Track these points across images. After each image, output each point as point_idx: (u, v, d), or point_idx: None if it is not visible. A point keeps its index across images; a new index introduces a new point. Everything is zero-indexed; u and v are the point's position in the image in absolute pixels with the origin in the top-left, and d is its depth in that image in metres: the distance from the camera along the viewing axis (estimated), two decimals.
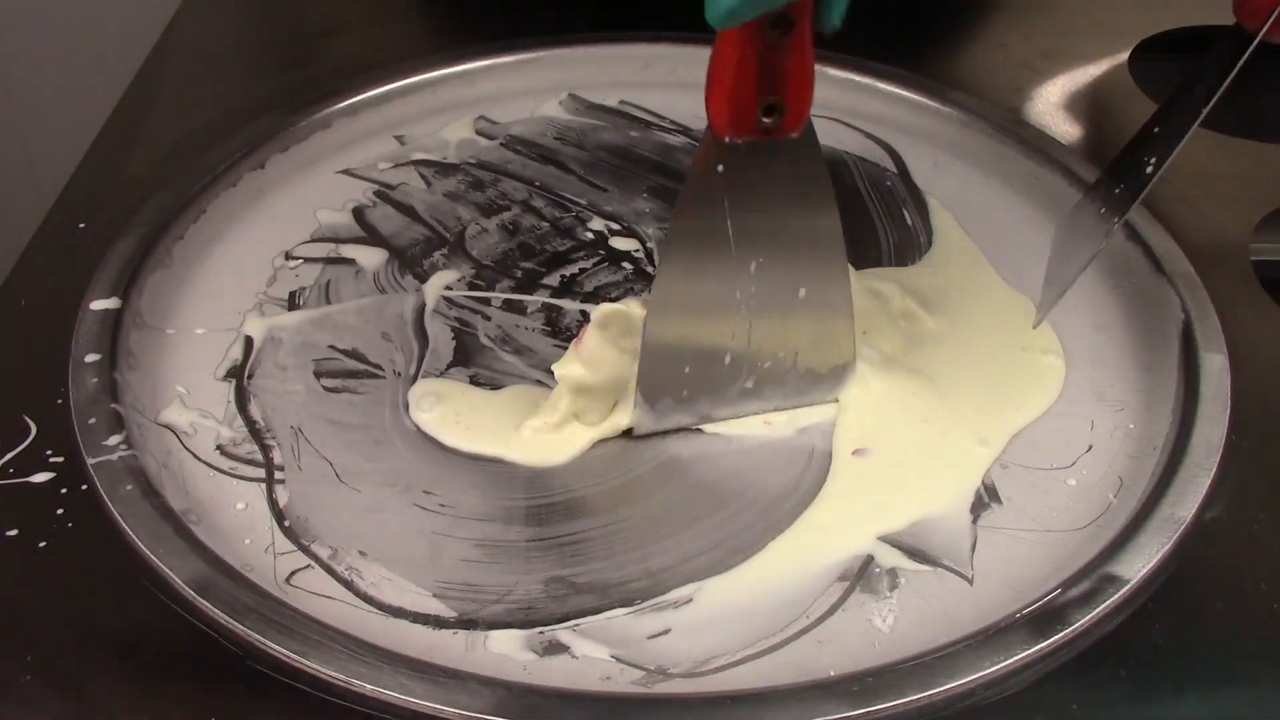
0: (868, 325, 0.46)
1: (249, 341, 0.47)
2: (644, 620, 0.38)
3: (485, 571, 0.39)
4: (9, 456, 0.41)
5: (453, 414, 0.44)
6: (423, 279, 0.51)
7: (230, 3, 0.73)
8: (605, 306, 0.44)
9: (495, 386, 0.46)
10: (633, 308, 0.44)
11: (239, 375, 0.46)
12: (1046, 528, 0.41)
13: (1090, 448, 0.44)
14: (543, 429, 0.43)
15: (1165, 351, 0.47)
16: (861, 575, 0.39)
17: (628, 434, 0.44)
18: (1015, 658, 0.35)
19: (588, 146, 0.60)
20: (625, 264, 0.52)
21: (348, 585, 0.38)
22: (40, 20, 0.91)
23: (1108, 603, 0.37)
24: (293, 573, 0.38)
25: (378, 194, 0.56)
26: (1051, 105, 0.63)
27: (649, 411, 0.44)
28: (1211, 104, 0.45)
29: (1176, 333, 0.47)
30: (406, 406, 0.45)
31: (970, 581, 0.39)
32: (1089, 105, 0.63)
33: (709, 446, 0.44)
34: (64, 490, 0.40)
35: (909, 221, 0.55)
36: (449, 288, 0.50)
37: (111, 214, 0.51)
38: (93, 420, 0.42)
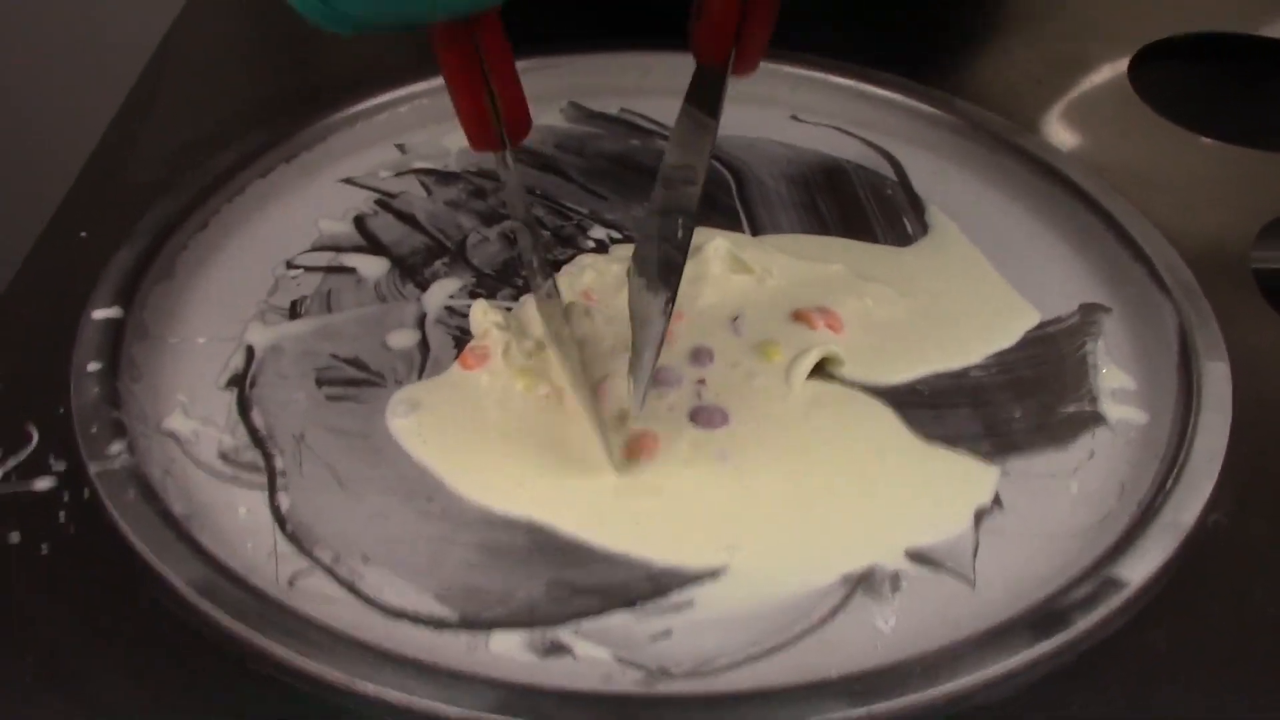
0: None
1: (250, 350, 0.47)
2: (646, 622, 0.38)
3: (487, 575, 0.39)
4: (12, 464, 0.41)
5: (416, 424, 0.44)
6: (424, 287, 0.51)
7: (230, 9, 0.73)
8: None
9: None
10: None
11: (241, 384, 0.46)
12: (1048, 532, 0.41)
13: (1092, 454, 0.44)
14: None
15: (1166, 360, 0.47)
16: (864, 578, 0.39)
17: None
18: (1016, 659, 0.35)
19: (588, 155, 0.60)
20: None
21: (350, 589, 0.38)
22: (40, 27, 0.91)
23: (1109, 606, 0.37)
24: (294, 576, 0.39)
25: (379, 202, 0.56)
26: (1052, 113, 0.63)
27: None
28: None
29: (1177, 341, 0.47)
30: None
31: (972, 585, 0.39)
32: (1089, 113, 0.63)
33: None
34: (66, 497, 0.40)
35: (909, 230, 0.55)
36: (451, 296, 0.51)
37: (113, 222, 0.51)
38: (95, 428, 0.42)
